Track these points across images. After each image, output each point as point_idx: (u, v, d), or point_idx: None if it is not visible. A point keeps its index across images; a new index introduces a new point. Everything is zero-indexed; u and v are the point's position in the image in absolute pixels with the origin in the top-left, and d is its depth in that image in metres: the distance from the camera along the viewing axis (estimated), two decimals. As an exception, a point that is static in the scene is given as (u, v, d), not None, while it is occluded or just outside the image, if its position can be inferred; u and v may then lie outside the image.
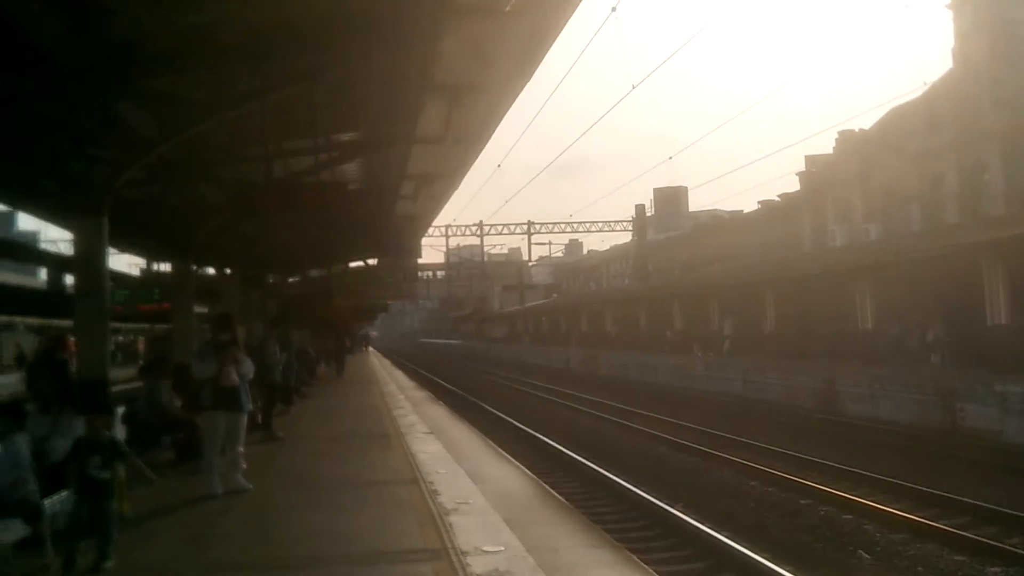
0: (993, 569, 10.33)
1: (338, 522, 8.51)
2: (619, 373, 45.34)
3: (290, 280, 26.36)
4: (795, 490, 15.29)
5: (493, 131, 13.10)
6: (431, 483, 10.24)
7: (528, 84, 10.93)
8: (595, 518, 11.60)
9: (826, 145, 54.46)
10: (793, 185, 51.64)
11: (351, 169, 16.98)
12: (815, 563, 10.91)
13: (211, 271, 24.20)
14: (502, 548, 7.14)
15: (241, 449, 10.41)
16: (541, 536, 7.80)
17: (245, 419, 10.47)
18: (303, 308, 27.72)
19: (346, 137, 13.78)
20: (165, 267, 24.96)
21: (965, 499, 13.68)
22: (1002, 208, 33.52)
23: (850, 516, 13.28)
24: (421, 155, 13.50)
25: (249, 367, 10.41)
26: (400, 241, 19.00)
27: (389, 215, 17.60)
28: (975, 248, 22.57)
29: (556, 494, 11.39)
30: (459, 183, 17.46)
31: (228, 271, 22.65)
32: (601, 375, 47.15)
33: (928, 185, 39.33)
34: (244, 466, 10.46)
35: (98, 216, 8.89)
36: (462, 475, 10.93)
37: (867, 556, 11.20)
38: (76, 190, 9.47)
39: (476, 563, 6.80)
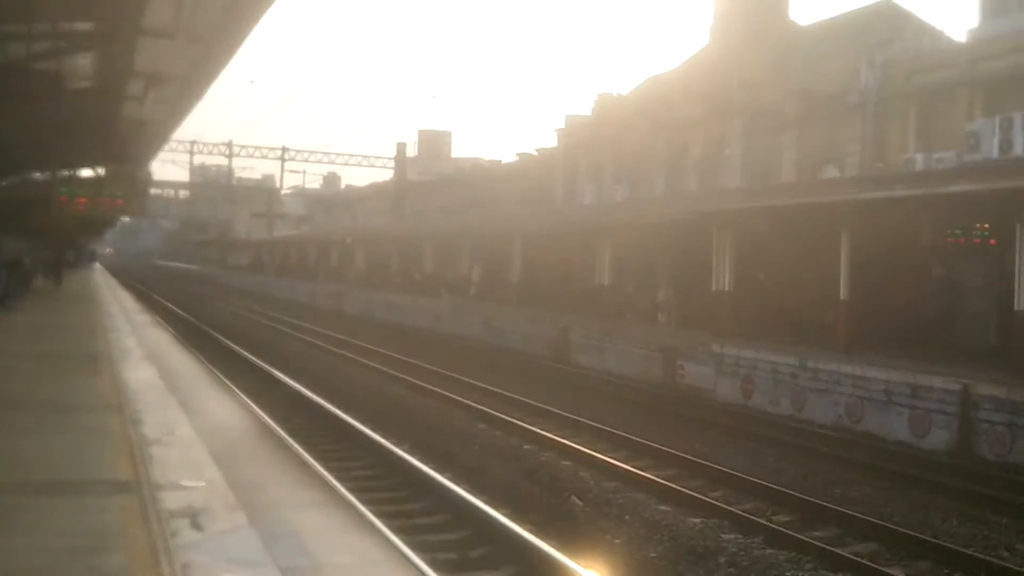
0: (694, 520, 10.84)
1: (23, 447, 7.64)
2: (365, 311, 44.88)
3: (5, 182, 23.76)
4: (520, 435, 15.56)
5: (239, 35, 11.98)
6: (136, 411, 9.46)
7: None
8: (317, 456, 11.19)
9: (588, 106, 56.25)
10: (553, 141, 52.81)
11: (83, 66, 15.34)
12: (530, 507, 11.05)
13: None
14: (202, 484, 6.60)
15: None
16: (249, 472, 7.32)
17: None
18: (19, 215, 25.17)
19: (76, 27, 12.32)
20: None
21: (676, 452, 14.37)
22: (738, 181, 35.68)
23: (569, 463, 13.63)
24: (151, 51, 12.22)
25: None
26: (127, 148, 17.30)
27: (114, 117, 15.99)
28: (707, 216, 23.77)
29: (279, 429, 10.89)
30: (201, 92, 16.01)
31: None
32: (347, 312, 46.51)
33: (675, 153, 41.22)
34: None
35: None
36: (173, 404, 10.20)
37: (580, 503, 11.48)
38: None
39: (170, 498, 6.23)
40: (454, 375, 22.38)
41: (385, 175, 77.38)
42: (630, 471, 12.98)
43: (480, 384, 20.96)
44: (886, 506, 11.92)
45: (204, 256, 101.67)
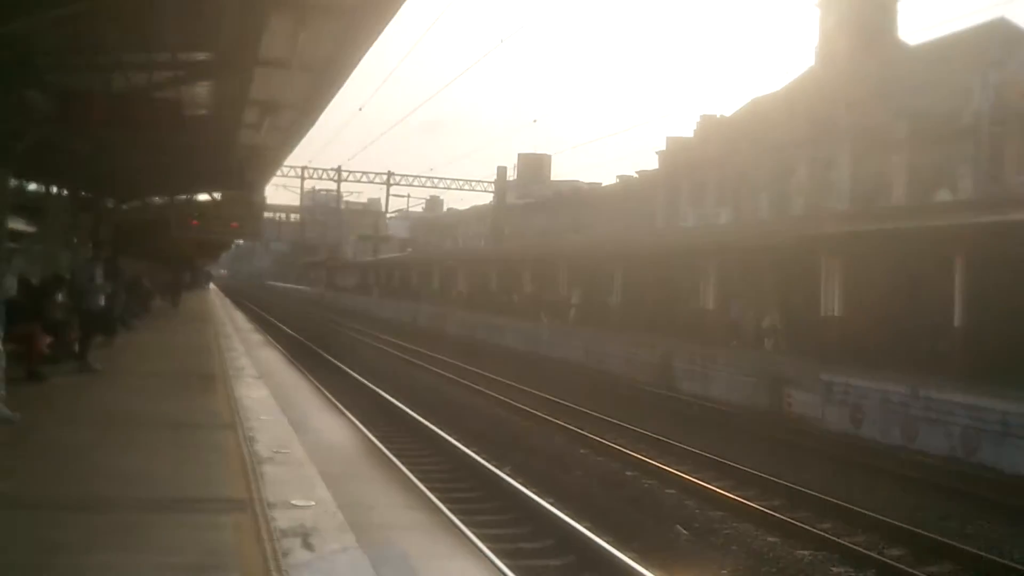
0: (803, 552, 10.60)
1: (139, 463, 7.92)
2: (466, 332, 45.26)
3: (126, 206, 24.83)
4: (623, 461, 15.45)
5: (349, 65, 12.28)
6: (249, 429, 9.71)
7: (392, 20, 10.37)
8: (422, 476, 11.32)
9: (689, 128, 56.11)
10: (653, 163, 52.61)
11: (201, 94, 15.98)
12: (634, 535, 10.96)
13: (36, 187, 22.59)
14: (313, 503, 6.73)
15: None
16: (358, 492, 7.45)
17: None
18: (140, 237, 26.28)
19: (195, 57, 12.86)
20: None
21: (782, 481, 14.07)
22: (846, 204, 34.91)
23: (673, 491, 13.47)
24: (266, 80, 12.64)
25: None
26: (243, 174, 17.88)
27: (231, 143, 16.54)
28: (815, 240, 23.31)
29: (384, 449, 11.07)
30: (312, 120, 16.45)
31: (57, 190, 21.11)
32: (448, 333, 46.99)
33: (779, 176, 40.62)
34: (3, 392, 9.68)
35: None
36: (285, 423, 10.43)
37: (685, 532, 11.34)
38: None
39: (281, 517, 6.38)
40: (554, 398, 22.37)
41: (485, 199, 78.23)
42: (736, 500, 12.76)
43: (581, 408, 20.91)
44: (1005, 543, 11.44)
45: (313, 277, 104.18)
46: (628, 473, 14.63)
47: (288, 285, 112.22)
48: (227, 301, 58.78)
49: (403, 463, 10.29)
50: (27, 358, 13.10)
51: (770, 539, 11.18)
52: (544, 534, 10.40)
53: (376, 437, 12.04)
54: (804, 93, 41.49)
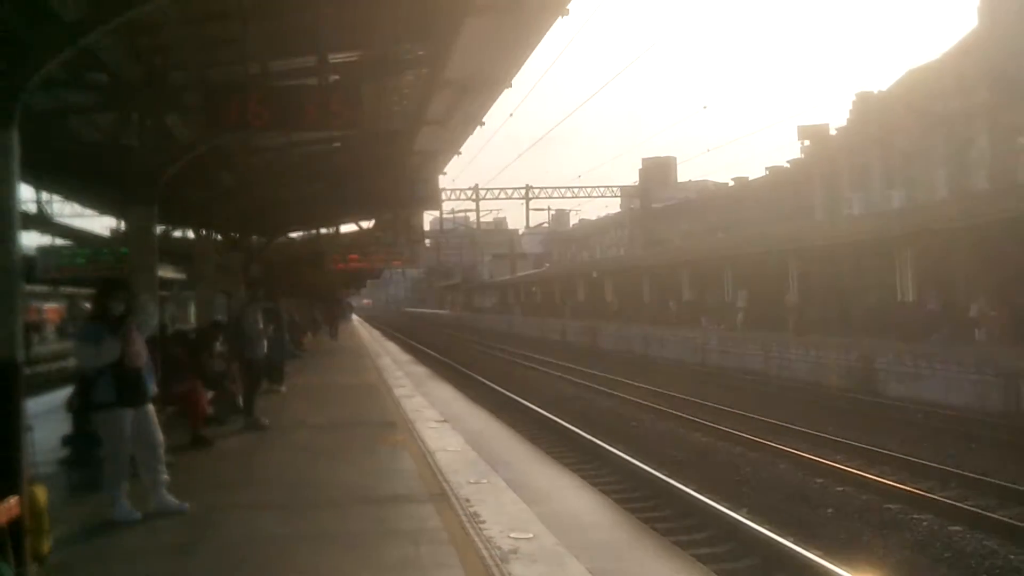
0: None
1: (355, 572, 5.95)
2: (622, 346, 42.88)
3: (273, 242, 23.55)
4: (876, 492, 12.85)
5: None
6: (467, 501, 7.70)
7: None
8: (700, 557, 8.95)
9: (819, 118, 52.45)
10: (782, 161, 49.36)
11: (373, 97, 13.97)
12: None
13: (187, 234, 21.56)
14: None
15: (161, 453, 7.81)
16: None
17: (154, 411, 7.88)
18: (289, 273, 25.07)
19: (350, 57, 11.05)
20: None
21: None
22: (1040, 174, 31.36)
23: (958, 527, 10.86)
24: (467, 47, 10.23)
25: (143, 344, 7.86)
26: (414, 190, 15.88)
27: (406, 149, 14.37)
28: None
29: (633, 518, 8.89)
30: (497, 96, 13.56)
31: (204, 232, 19.87)
32: (602, 348, 44.70)
33: (956, 149, 37.02)
34: (167, 477, 7.84)
35: (5, 129, 6.11)
36: (503, 487, 8.37)
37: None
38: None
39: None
40: (749, 415, 19.88)
41: (612, 208, 75.74)
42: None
43: (785, 425, 18.38)
44: None
45: (451, 300, 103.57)
46: (889, 507, 12.06)
47: (426, 310, 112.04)
48: (373, 331, 57.97)
49: (662, 533, 8.06)
50: (189, 420, 11.61)
51: None
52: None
53: (607, 494, 9.85)
54: (973, 58, 37.68)
